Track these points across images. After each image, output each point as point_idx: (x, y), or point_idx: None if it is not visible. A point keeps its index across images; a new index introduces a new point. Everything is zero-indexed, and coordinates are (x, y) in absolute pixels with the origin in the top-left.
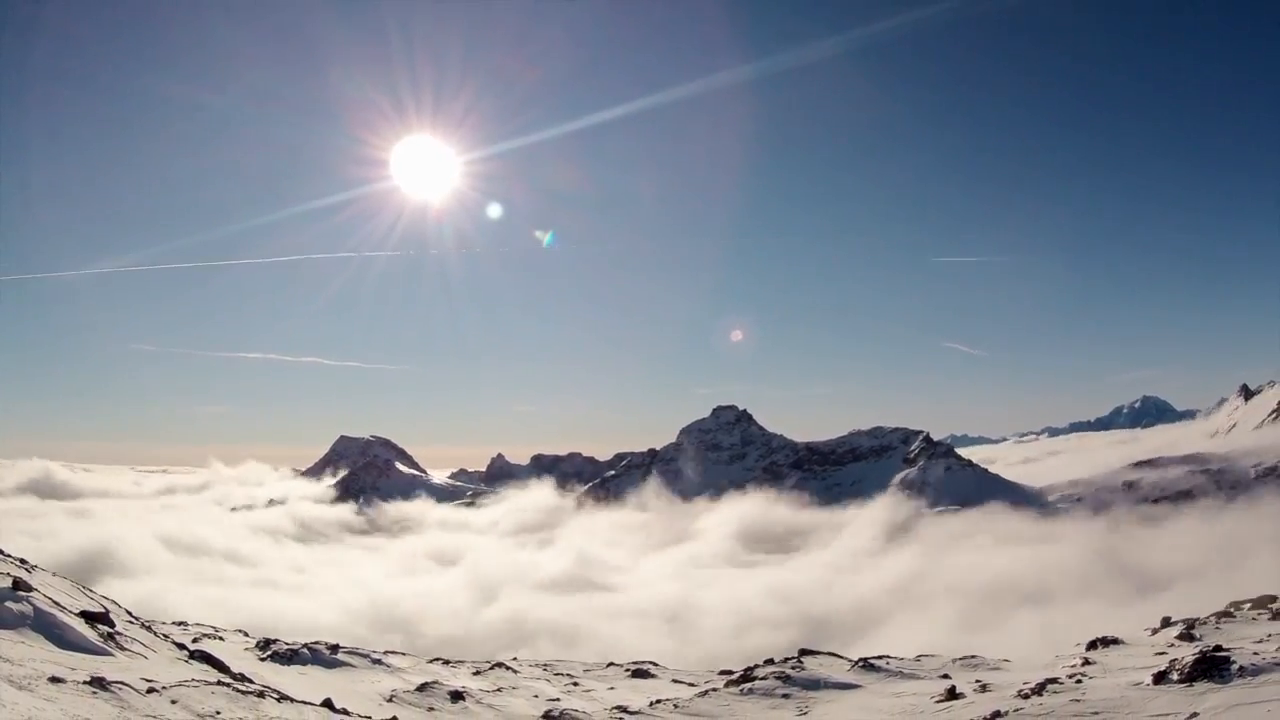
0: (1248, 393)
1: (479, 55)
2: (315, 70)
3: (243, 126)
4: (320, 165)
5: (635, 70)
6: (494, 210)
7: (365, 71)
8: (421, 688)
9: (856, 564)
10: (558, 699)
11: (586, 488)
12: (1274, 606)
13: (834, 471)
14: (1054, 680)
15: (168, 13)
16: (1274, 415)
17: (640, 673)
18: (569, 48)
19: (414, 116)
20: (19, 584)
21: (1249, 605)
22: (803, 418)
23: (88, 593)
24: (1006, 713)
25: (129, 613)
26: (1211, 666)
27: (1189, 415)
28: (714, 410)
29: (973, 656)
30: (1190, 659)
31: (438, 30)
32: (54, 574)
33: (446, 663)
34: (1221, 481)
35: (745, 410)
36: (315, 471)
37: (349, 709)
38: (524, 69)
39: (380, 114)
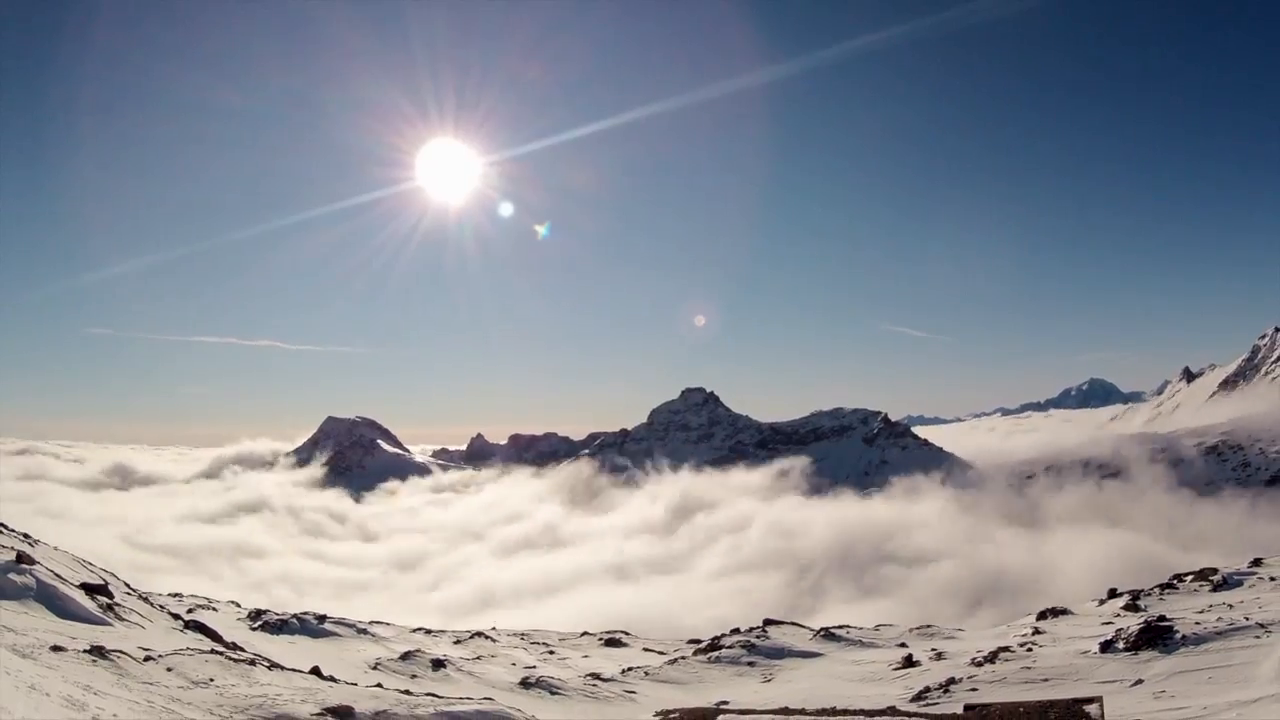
0: (1190, 375)
1: (497, 64)
2: (344, 77)
3: (274, 130)
4: (343, 166)
5: (611, 88)
6: (505, 209)
7: (391, 78)
8: (405, 656)
9: None
10: (534, 666)
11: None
12: (1215, 579)
13: (797, 450)
14: (1006, 649)
15: (203, 20)
16: (1214, 396)
17: (613, 641)
18: (575, 61)
19: (436, 121)
20: (22, 557)
21: (1191, 577)
22: (767, 400)
23: (88, 566)
24: (960, 679)
25: (127, 585)
26: (1156, 635)
27: (1135, 397)
28: (683, 392)
29: (929, 626)
30: (1135, 628)
31: (460, 37)
32: (55, 548)
33: (429, 632)
34: (1165, 459)
35: (713, 393)
36: (304, 451)
37: (336, 676)
38: (533, 79)
39: (404, 118)
